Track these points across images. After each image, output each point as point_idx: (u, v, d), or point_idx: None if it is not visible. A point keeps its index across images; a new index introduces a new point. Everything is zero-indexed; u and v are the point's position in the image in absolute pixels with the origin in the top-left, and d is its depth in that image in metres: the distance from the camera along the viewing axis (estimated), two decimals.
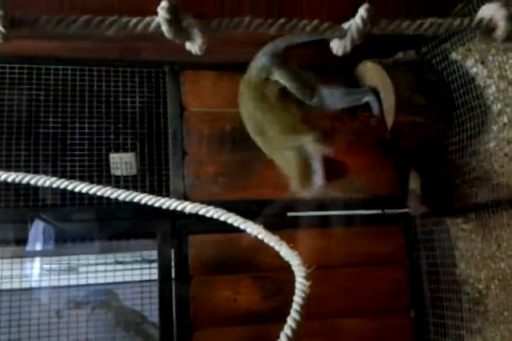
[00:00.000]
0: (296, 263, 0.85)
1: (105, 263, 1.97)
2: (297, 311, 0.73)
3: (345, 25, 0.60)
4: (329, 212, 1.69)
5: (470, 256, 1.62)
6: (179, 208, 1.01)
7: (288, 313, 1.59)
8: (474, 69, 1.57)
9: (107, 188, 1.10)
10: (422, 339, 1.71)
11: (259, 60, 1.48)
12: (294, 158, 1.45)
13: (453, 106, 1.59)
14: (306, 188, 1.46)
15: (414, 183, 1.74)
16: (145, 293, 1.74)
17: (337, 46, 0.61)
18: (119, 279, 1.91)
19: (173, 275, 1.46)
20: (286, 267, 1.61)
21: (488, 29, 0.64)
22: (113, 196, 1.01)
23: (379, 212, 1.74)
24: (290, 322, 0.71)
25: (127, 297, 1.89)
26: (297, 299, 0.75)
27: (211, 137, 1.65)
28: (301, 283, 0.79)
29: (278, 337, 1.57)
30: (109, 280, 1.93)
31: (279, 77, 1.46)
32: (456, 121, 1.60)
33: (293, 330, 0.70)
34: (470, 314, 1.62)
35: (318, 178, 1.44)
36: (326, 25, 0.59)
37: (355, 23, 0.57)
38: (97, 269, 1.95)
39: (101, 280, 1.94)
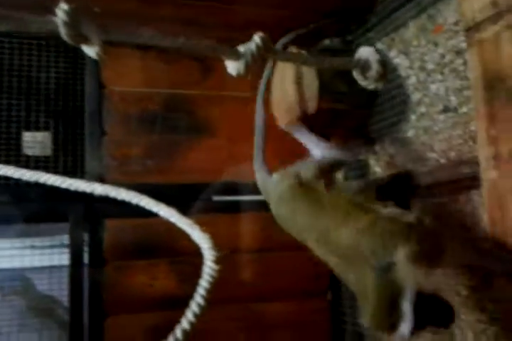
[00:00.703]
0: (206, 246, 0.83)
1: (19, 248, 1.88)
2: (202, 296, 0.71)
3: (242, 49, 0.59)
4: (254, 197, 1.69)
5: None
6: (88, 190, 0.97)
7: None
8: (397, 60, 1.61)
9: (16, 169, 1.04)
10: (338, 321, 1.76)
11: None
12: (374, 285, 0.91)
13: (374, 94, 1.62)
14: (382, 331, 0.93)
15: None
16: (60, 278, 1.68)
17: (231, 67, 0.61)
18: (32, 264, 1.83)
19: (86, 260, 1.41)
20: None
21: (362, 69, 0.66)
22: (23, 177, 0.95)
23: None
24: (193, 306, 0.70)
25: (41, 282, 1.81)
26: (203, 283, 0.73)
27: (133, 117, 1.59)
28: (209, 267, 0.77)
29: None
30: (23, 264, 1.85)
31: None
32: (376, 109, 1.64)
33: (195, 315, 0.68)
34: None
35: (405, 327, 0.87)
36: (223, 48, 0.59)
37: (249, 48, 0.57)
38: (10, 253, 1.86)
39: (14, 265, 1.85)
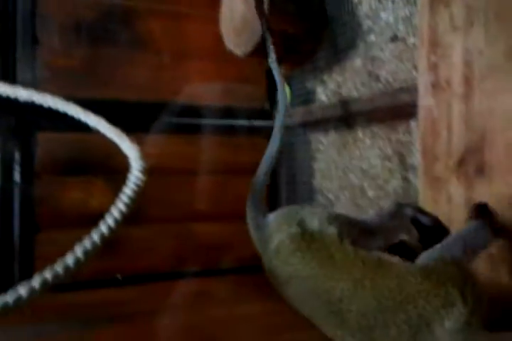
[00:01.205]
0: (135, 156, 0.81)
1: None
2: (124, 203, 0.70)
3: None
4: (197, 120, 1.66)
5: (326, 168, 1.70)
6: (12, 95, 0.91)
7: (144, 215, 1.58)
8: None
9: None
10: None
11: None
12: None
13: (325, 20, 1.58)
14: None
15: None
16: None
17: None
18: None
19: (17, 174, 1.36)
20: None
21: None
22: None
23: (246, 122, 1.74)
24: (114, 212, 0.68)
25: None
26: (127, 190, 0.72)
27: (71, 27, 1.48)
28: (135, 176, 0.75)
29: (130, 239, 1.57)
30: None
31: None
32: (326, 36, 1.60)
33: (116, 220, 0.67)
34: None
35: None
36: None
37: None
38: None
39: None
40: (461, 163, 1.01)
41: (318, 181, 1.75)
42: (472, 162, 0.99)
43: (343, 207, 1.63)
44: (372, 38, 1.50)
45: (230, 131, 1.71)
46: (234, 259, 1.72)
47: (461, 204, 1.00)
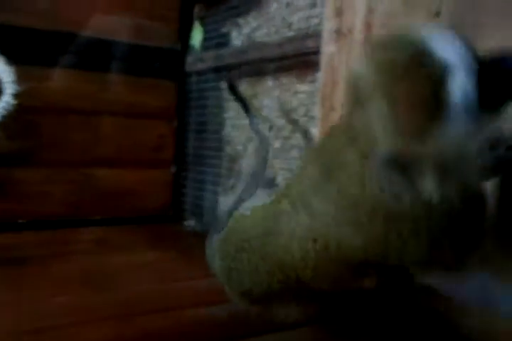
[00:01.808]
0: (8, 80, 0.72)
1: None
2: None
3: None
4: (101, 55, 1.54)
5: (236, 117, 1.66)
6: None
7: (38, 158, 1.48)
8: None
9: None
10: (179, 193, 1.79)
11: None
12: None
13: None
14: None
15: (195, 38, 1.66)
16: None
17: None
18: None
19: None
20: (33, 108, 1.46)
21: None
22: None
23: (154, 62, 1.65)
24: None
25: None
26: None
27: None
28: (5, 101, 0.67)
29: (24, 182, 1.47)
30: None
31: None
32: None
33: None
34: (227, 172, 1.72)
35: None
36: None
37: None
38: None
39: None
40: None
41: (227, 131, 1.71)
42: None
43: (249, 159, 1.61)
44: None
45: (136, 70, 1.61)
46: (133, 208, 1.68)
47: None
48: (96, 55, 1.53)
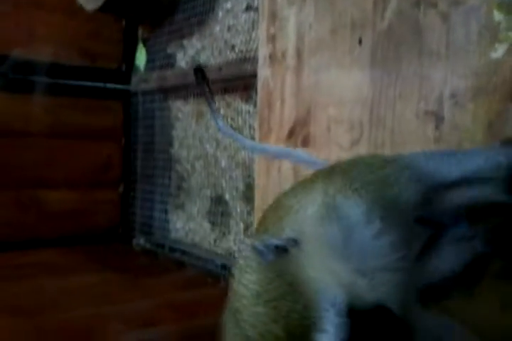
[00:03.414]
0: None
1: None
2: None
3: None
4: (44, 78, 1.53)
5: (184, 136, 1.68)
6: None
7: None
8: None
9: None
10: (128, 213, 1.78)
11: None
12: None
13: None
14: None
15: (140, 59, 1.68)
16: None
17: None
18: None
19: None
20: None
21: None
22: None
23: (101, 84, 1.65)
24: None
25: None
26: None
27: None
28: None
29: None
30: None
31: None
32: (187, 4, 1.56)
33: None
34: (176, 191, 1.73)
35: None
36: None
37: None
38: None
39: None
40: (291, 134, 1.04)
41: (176, 150, 1.73)
42: (300, 134, 1.02)
43: (198, 176, 1.64)
44: (229, 5, 1.49)
45: (81, 91, 1.61)
46: (82, 228, 1.66)
47: (289, 174, 1.04)
48: (39, 78, 1.52)
